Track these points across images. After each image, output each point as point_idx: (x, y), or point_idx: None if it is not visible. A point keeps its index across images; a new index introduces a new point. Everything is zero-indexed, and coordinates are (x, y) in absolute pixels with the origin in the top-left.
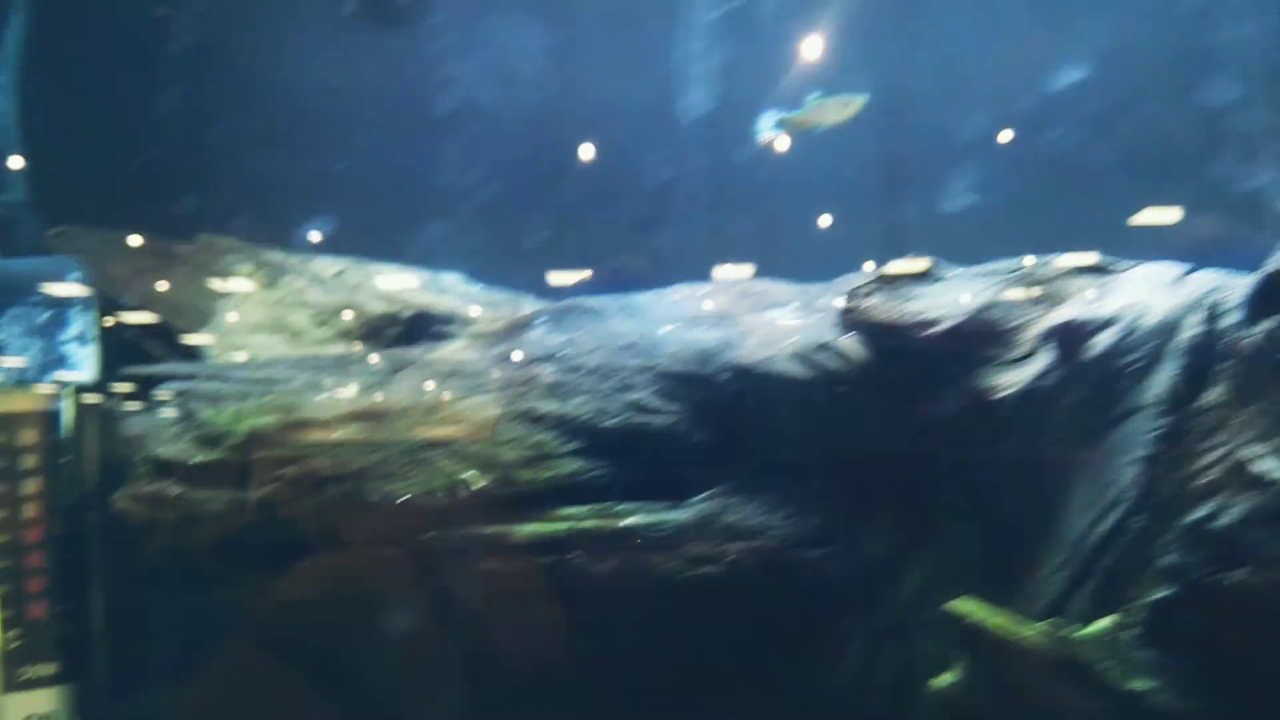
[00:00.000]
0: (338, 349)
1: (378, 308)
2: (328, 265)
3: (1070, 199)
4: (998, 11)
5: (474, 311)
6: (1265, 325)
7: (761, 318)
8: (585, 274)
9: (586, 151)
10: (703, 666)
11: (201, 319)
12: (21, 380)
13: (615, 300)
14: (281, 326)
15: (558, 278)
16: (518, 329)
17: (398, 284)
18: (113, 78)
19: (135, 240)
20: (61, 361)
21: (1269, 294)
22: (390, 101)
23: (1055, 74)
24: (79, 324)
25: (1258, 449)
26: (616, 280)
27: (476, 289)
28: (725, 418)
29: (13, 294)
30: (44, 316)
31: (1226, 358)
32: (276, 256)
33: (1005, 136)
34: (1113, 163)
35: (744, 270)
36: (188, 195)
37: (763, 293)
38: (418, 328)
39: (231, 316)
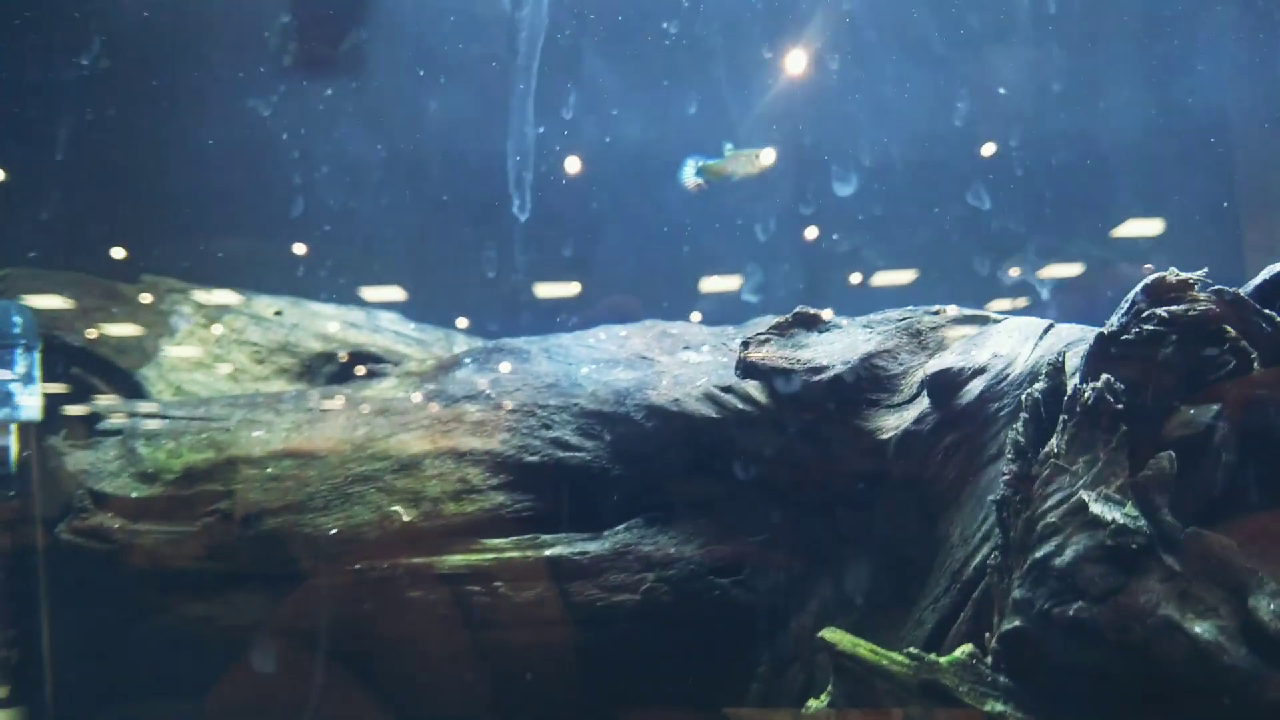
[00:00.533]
0: (275, 387)
1: (315, 346)
2: (267, 304)
3: (853, 296)
4: (794, 130)
5: (406, 350)
6: (1096, 384)
7: (676, 359)
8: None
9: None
10: (619, 690)
11: (143, 357)
12: None
13: (538, 341)
14: (221, 365)
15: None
16: (446, 368)
17: (335, 323)
18: (53, 120)
19: (78, 280)
20: (6, 400)
21: (1100, 355)
22: (326, 145)
23: (840, 182)
24: (23, 363)
25: (1091, 494)
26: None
27: (411, 327)
28: (640, 454)
29: None
30: None
31: (1067, 411)
32: (217, 295)
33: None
34: (890, 263)
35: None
36: (130, 236)
37: (679, 334)
38: (353, 366)
39: (172, 355)
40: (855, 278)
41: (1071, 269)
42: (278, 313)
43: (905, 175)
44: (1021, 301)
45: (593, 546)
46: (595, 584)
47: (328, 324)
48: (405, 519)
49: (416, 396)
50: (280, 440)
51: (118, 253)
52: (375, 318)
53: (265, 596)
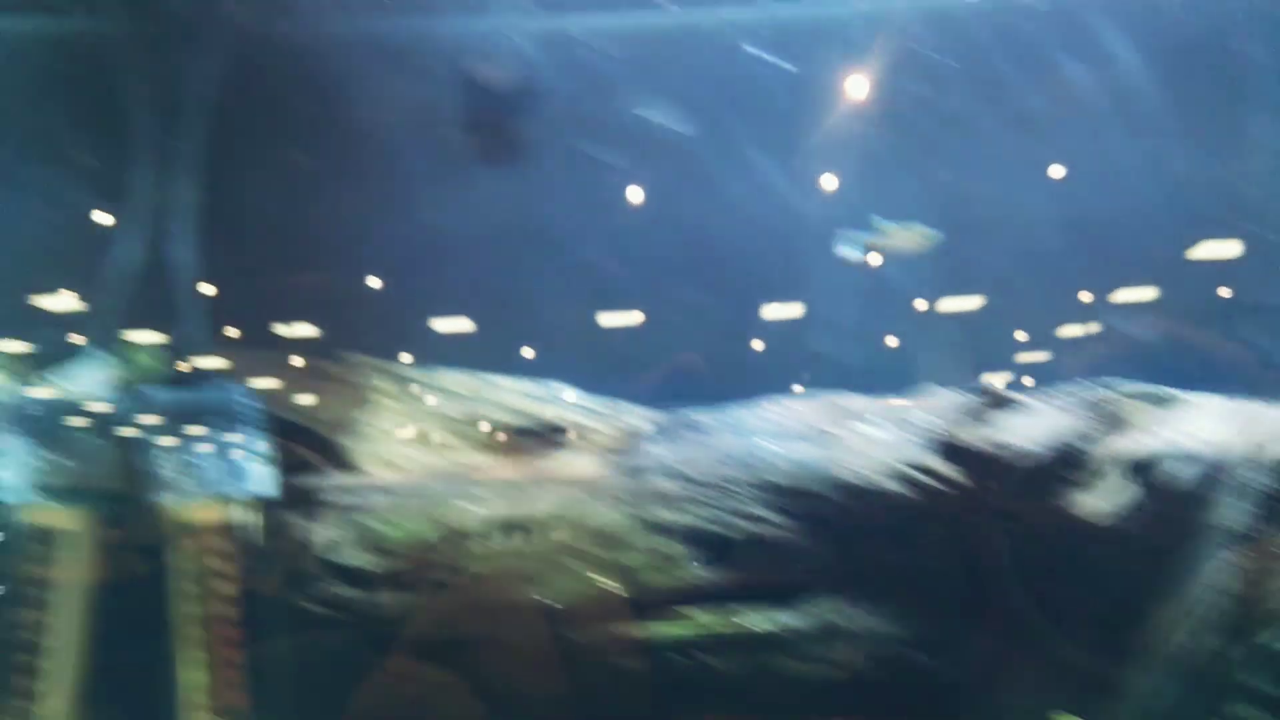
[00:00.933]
0: (470, 458)
1: (503, 418)
2: (457, 379)
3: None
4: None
5: (584, 421)
6: None
7: (852, 432)
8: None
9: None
10: None
11: (351, 431)
12: (207, 495)
13: (715, 414)
14: (421, 438)
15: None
16: (633, 442)
17: (519, 395)
18: (267, 219)
19: (288, 360)
20: (242, 475)
21: None
22: (504, 226)
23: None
24: (253, 441)
25: None
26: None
27: (584, 397)
28: (830, 528)
29: (194, 418)
30: (221, 436)
31: None
32: (411, 371)
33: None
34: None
35: None
36: (334, 318)
37: (846, 405)
38: (542, 438)
39: (376, 428)
40: (921, 304)
41: (1145, 293)
42: (467, 386)
43: (976, 201)
44: (1093, 326)
45: (790, 619)
46: (795, 656)
47: (507, 395)
48: (611, 589)
49: (609, 469)
50: (490, 513)
51: (317, 332)
52: (548, 388)
53: (485, 661)
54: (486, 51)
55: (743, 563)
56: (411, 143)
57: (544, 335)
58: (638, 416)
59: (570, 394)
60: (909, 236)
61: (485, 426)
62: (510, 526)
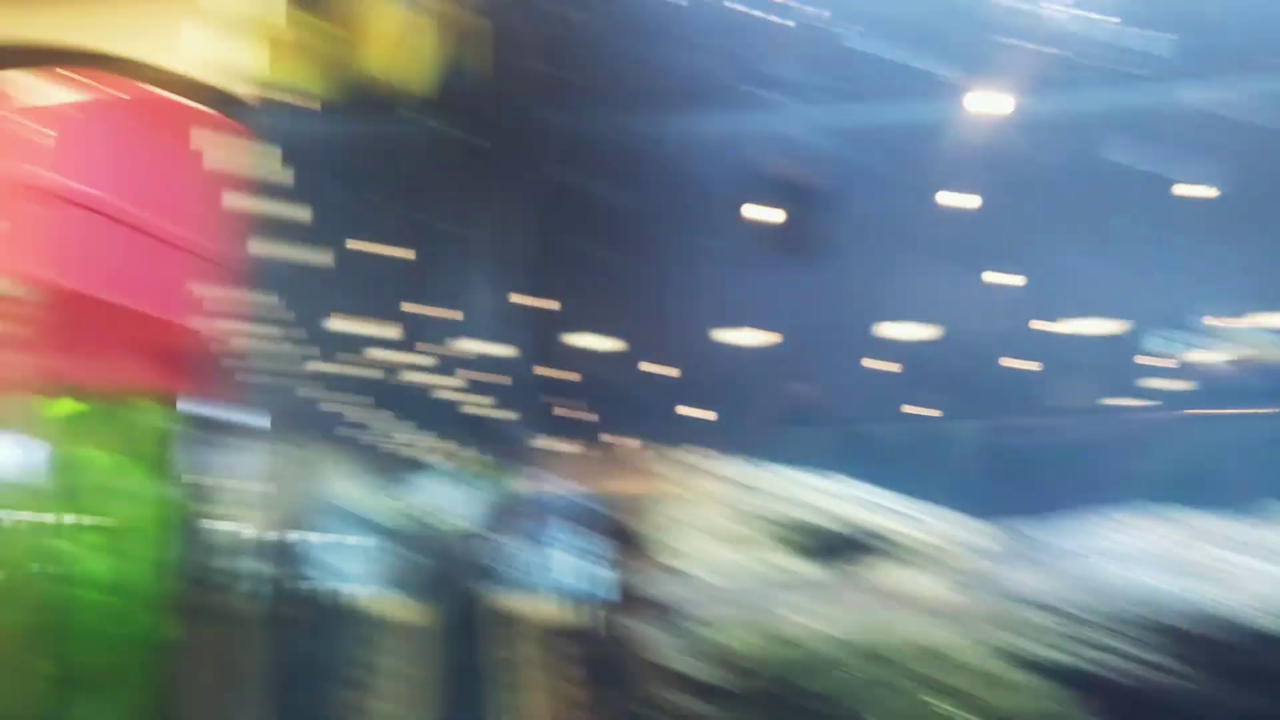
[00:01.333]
0: (778, 560)
1: (813, 519)
2: (753, 472)
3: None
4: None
5: (899, 527)
6: None
7: (1210, 558)
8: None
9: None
10: None
11: (666, 530)
12: (540, 593)
13: (1049, 532)
14: (723, 535)
15: None
16: (965, 557)
17: (822, 493)
18: (585, 319)
19: (604, 453)
20: (571, 575)
21: None
22: (799, 323)
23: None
24: (581, 539)
25: None
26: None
27: (894, 499)
28: (1198, 667)
29: (526, 516)
30: (553, 535)
31: None
32: (703, 462)
33: None
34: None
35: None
36: (640, 412)
37: (1188, 525)
38: (856, 544)
39: (691, 527)
40: (1040, 324)
41: None
42: (766, 480)
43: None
44: (1250, 352)
45: None
46: None
47: (808, 494)
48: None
49: (944, 587)
50: (828, 627)
51: (628, 428)
52: (857, 488)
53: None
54: (781, 146)
55: (1104, 697)
56: (712, 235)
57: (853, 435)
58: (964, 527)
59: (871, 493)
60: (1256, 343)
61: (804, 529)
62: (855, 648)
